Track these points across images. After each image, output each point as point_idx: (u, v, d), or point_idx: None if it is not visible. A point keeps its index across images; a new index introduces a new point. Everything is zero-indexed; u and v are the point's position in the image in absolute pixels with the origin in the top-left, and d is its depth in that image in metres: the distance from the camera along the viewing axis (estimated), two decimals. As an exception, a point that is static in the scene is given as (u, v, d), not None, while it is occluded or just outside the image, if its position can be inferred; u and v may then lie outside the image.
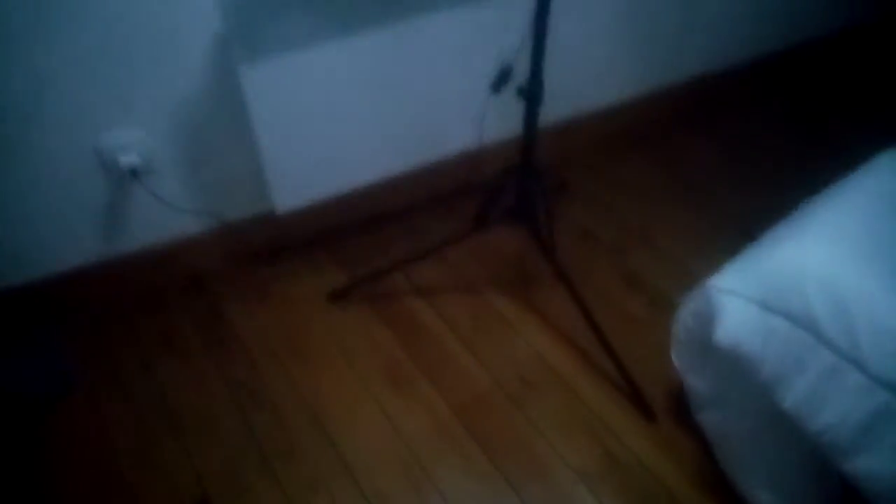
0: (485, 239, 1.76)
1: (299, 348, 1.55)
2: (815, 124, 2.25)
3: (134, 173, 1.47)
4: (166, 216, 1.59)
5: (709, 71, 2.27)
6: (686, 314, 1.23)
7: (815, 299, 1.02)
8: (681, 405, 1.37)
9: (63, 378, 1.48)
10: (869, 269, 1.03)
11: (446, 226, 1.83)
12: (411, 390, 1.47)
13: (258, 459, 1.35)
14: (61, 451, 1.37)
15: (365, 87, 1.53)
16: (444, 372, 1.50)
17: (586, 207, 1.93)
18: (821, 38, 2.48)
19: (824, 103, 2.34)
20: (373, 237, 1.82)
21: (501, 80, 1.44)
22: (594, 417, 1.42)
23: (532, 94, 1.32)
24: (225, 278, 1.72)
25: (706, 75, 2.27)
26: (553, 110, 1.83)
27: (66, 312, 1.60)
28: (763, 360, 1.06)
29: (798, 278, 1.05)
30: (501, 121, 1.66)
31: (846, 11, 2.47)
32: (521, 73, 1.36)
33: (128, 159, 1.45)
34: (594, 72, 2.01)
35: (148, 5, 1.32)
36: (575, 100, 2.03)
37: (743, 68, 2.34)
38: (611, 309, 1.61)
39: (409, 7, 1.46)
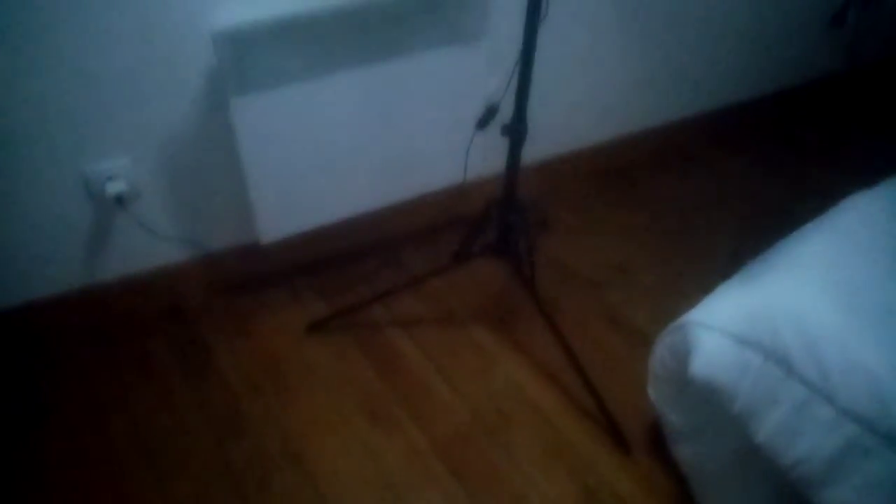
0: (466, 272, 1.78)
1: (278, 379, 1.55)
2: (791, 167, 2.33)
3: (120, 201, 1.48)
4: (149, 244, 1.60)
5: (688, 115, 2.35)
6: (662, 348, 1.26)
7: (787, 334, 1.05)
8: (658, 439, 1.39)
9: (37, 406, 1.46)
10: (837, 304, 1.07)
11: (429, 258, 1.85)
12: (390, 423, 1.47)
13: (234, 491, 1.34)
14: (33, 480, 1.34)
15: (352, 121, 1.56)
16: (423, 404, 1.51)
17: (567, 242, 1.97)
18: (798, 86, 2.58)
19: (799, 147, 2.42)
20: (355, 268, 1.84)
21: (487, 118, 1.48)
22: (572, 451, 1.42)
23: (516, 133, 1.36)
24: (206, 308, 1.72)
25: (685, 119, 2.35)
26: (536, 147, 1.88)
27: (45, 339, 1.59)
28: (737, 393, 1.08)
29: (770, 314, 1.08)
30: (486, 157, 1.70)
31: (822, 61, 2.57)
32: (507, 111, 1.40)
33: (114, 187, 1.46)
34: (577, 112, 2.08)
35: (143, 36, 1.35)
36: (558, 138, 2.09)
37: (720, 112, 2.42)
38: (590, 343, 1.63)
39: (398, 47, 1.50)
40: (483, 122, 1.48)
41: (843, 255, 1.18)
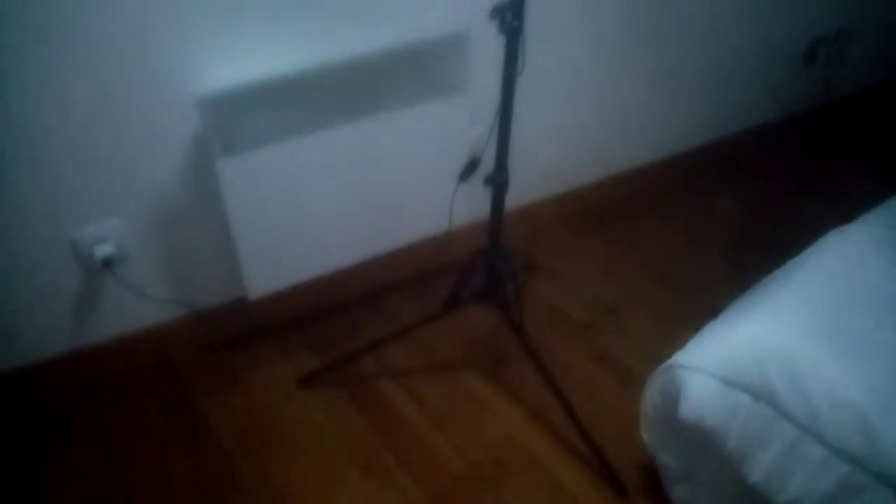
0: (456, 319, 1.79)
1: (270, 435, 1.54)
2: (773, 201, 2.36)
3: (108, 263, 1.48)
4: (138, 305, 1.60)
5: (669, 154, 2.39)
6: (653, 391, 1.26)
7: (773, 374, 1.06)
8: (653, 482, 1.38)
9: (27, 473, 1.44)
10: (821, 341, 1.08)
11: (418, 307, 1.85)
12: (384, 476, 1.45)
13: (228, 553, 1.32)
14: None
15: (337, 176, 1.58)
16: (417, 456, 1.49)
17: (555, 285, 1.98)
18: (777, 121, 2.64)
19: (780, 181, 2.47)
20: (344, 320, 1.84)
21: (469, 169, 1.50)
22: (568, 497, 1.41)
23: (498, 184, 1.38)
24: (195, 366, 1.71)
25: (667, 158, 2.39)
26: (520, 192, 1.91)
27: (33, 404, 1.57)
28: (728, 434, 1.09)
29: (756, 354, 1.09)
30: (470, 205, 1.72)
31: (799, 96, 2.64)
32: (489, 161, 1.43)
33: (102, 250, 1.47)
34: (559, 156, 2.11)
35: (129, 101, 1.37)
36: (541, 182, 2.12)
37: (701, 150, 2.47)
38: (581, 386, 1.63)
39: (381, 103, 1.53)
40: (466, 173, 1.51)
41: (826, 292, 1.19)
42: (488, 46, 1.32)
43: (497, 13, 1.21)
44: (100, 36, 1.29)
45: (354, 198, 1.64)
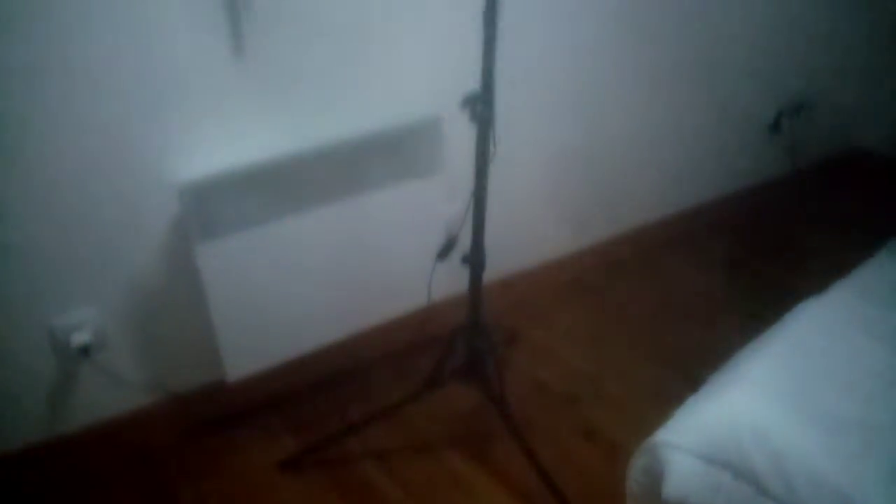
0: (438, 397, 1.77)
1: (251, 524, 1.50)
2: (746, 269, 2.41)
3: (85, 351, 1.47)
4: (115, 391, 1.58)
5: (645, 223, 2.45)
6: (636, 470, 1.25)
7: (752, 450, 1.06)
8: (642, 563, 1.35)
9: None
10: (798, 417, 1.09)
11: (399, 385, 1.84)
12: (368, 564, 1.42)
13: None
14: None
15: (316, 256, 1.60)
16: (402, 541, 1.46)
17: (537, 358, 1.98)
18: (747, 189, 2.72)
19: (753, 248, 2.52)
20: (325, 400, 1.82)
21: (447, 249, 1.53)
22: (557, 582, 1.38)
23: (475, 263, 1.40)
24: (174, 450, 1.67)
25: (643, 227, 2.44)
26: (500, 264, 1.93)
27: (6, 493, 1.53)
28: (712, 514, 1.08)
29: (735, 431, 1.09)
30: (450, 279, 1.74)
31: (767, 165, 2.73)
32: (467, 240, 1.45)
33: (79, 338, 1.46)
34: (536, 228, 2.16)
35: (109, 189, 1.40)
36: (520, 254, 2.16)
37: (675, 219, 2.53)
38: (568, 463, 1.61)
39: (358, 185, 1.57)
40: (443, 252, 1.53)
41: (801, 365, 1.21)
42: (462, 128, 1.36)
43: (468, 103, 1.26)
44: (82, 122, 1.32)
45: (333, 277, 1.65)
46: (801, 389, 1.15)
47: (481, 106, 1.26)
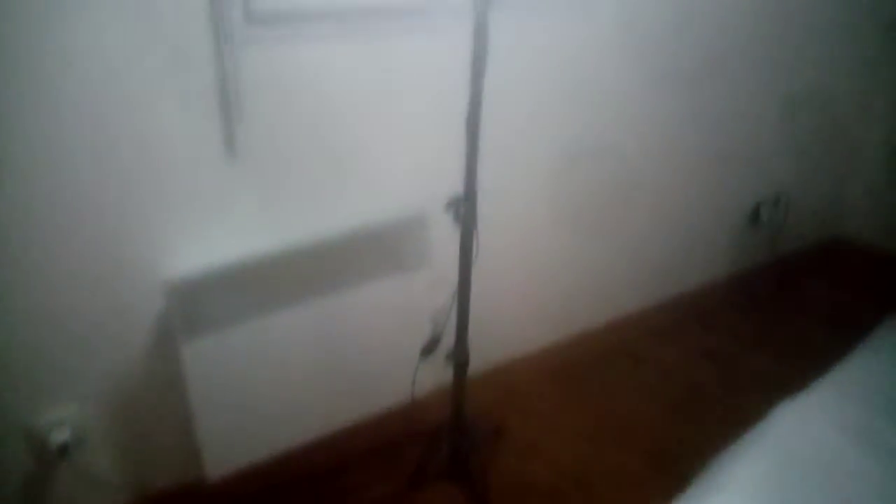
0: (423, 496, 1.74)
1: None
2: (730, 357, 2.42)
3: (64, 450, 1.45)
4: (93, 492, 1.54)
5: (628, 313, 2.47)
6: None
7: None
8: None
9: None
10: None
11: (384, 482, 1.81)
12: None
13: None
14: None
15: (300, 351, 1.60)
16: None
17: (522, 453, 1.95)
18: (730, 277, 2.76)
19: (736, 336, 2.54)
20: (307, 498, 1.78)
21: (431, 346, 1.54)
22: None
23: (459, 361, 1.41)
24: (149, 553, 1.62)
25: (626, 316, 2.46)
26: (486, 353, 1.94)
27: None
28: None
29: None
30: (434, 375, 1.74)
31: (748, 254, 2.78)
32: (451, 333, 1.46)
33: (58, 436, 1.43)
34: (520, 319, 2.17)
35: (93, 284, 1.41)
36: (505, 345, 2.16)
37: (659, 307, 2.55)
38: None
39: (344, 280, 1.59)
40: (427, 350, 1.54)
41: (785, 476, 1.21)
42: (447, 223, 1.39)
43: (451, 206, 1.30)
44: (69, 217, 1.34)
45: (317, 372, 1.65)
46: (780, 497, 1.14)
47: (464, 209, 1.30)
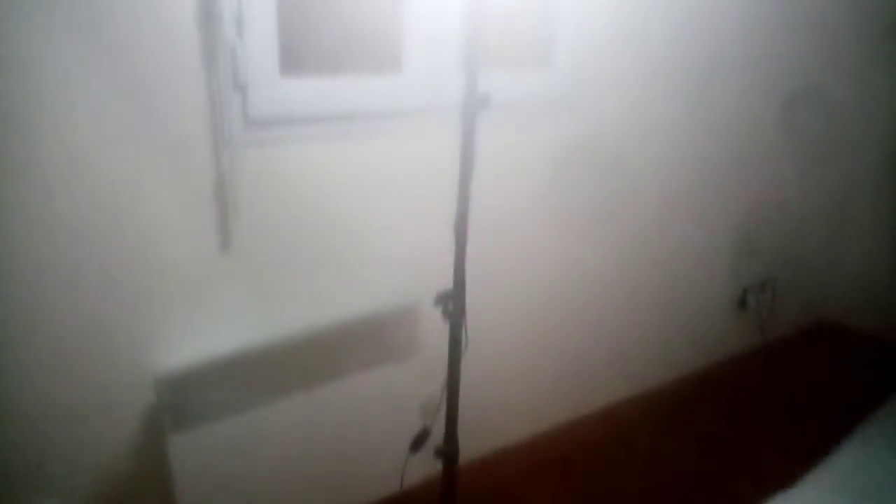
0: None
1: None
2: (723, 443, 2.40)
3: (42, 550, 1.42)
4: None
5: (619, 399, 2.46)
6: None
7: None
8: None
9: None
10: None
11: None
12: None
13: None
14: None
15: (288, 442, 1.59)
16: None
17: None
18: (720, 362, 2.77)
19: (730, 422, 2.53)
20: None
21: (420, 440, 1.53)
22: None
23: (448, 456, 1.41)
24: None
25: (619, 402, 2.46)
26: (477, 442, 1.92)
27: None
28: None
29: None
30: (423, 467, 1.72)
31: (738, 339, 2.80)
32: (441, 425, 1.45)
33: (37, 535, 1.41)
34: (511, 408, 2.16)
35: (83, 374, 1.41)
36: (495, 434, 2.14)
37: (651, 394, 2.55)
38: None
39: (334, 371, 1.60)
40: (416, 444, 1.54)
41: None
42: (436, 314, 1.41)
43: (440, 301, 1.33)
44: (59, 308, 1.35)
45: (306, 464, 1.63)
46: None
47: (453, 304, 1.32)
